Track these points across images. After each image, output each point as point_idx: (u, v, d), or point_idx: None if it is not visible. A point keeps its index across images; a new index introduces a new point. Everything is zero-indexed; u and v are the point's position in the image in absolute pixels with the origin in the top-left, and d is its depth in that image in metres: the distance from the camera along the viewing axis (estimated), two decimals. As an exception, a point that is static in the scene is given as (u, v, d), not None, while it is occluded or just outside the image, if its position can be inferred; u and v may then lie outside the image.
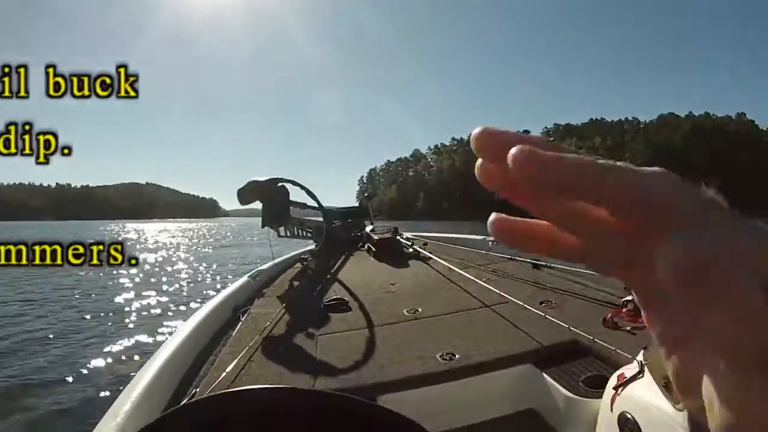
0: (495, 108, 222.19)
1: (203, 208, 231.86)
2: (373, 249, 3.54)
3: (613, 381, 1.11)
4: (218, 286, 9.66)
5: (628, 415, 1.02)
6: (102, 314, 7.40)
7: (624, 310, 1.85)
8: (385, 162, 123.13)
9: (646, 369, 1.02)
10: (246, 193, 3.36)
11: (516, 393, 1.62)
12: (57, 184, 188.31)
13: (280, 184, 3.55)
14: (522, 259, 2.91)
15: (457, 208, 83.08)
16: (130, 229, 59.71)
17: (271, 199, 3.52)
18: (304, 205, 3.85)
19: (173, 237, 41.30)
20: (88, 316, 7.27)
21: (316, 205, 3.83)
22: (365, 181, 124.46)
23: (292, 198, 3.72)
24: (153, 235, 45.87)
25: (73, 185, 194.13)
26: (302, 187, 3.71)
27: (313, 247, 3.88)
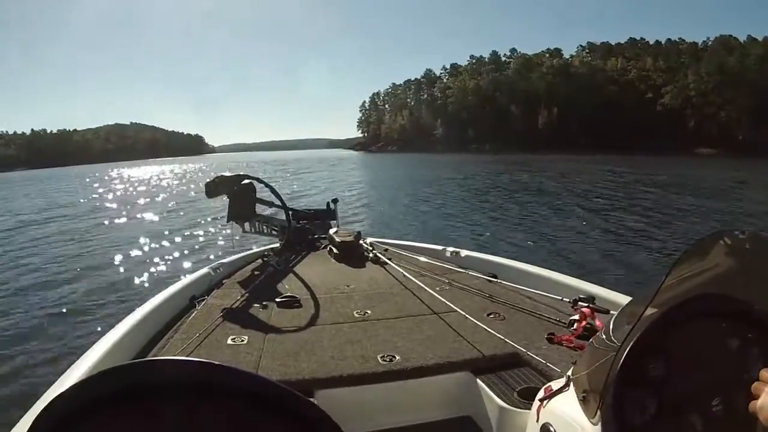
0: (516, 20, 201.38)
1: (189, 146, 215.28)
2: (335, 251, 3.54)
3: (541, 393, 1.14)
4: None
5: (551, 427, 1.04)
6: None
7: (574, 333, 1.87)
8: (390, 85, 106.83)
9: (572, 383, 1.04)
10: (213, 188, 3.39)
11: (452, 399, 1.71)
12: (32, 130, 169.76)
13: (247, 180, 3.58)
14: (477, 272, 2.91)
15: (488, 139, 69.11)
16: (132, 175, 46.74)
17: (237, 195, 3.51)
18: (271, 204, 3.81)
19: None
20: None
21: (280, 203, 3.79)
22: (368, 107, 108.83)
23: (258, 196, 3.73)
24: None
25: (49, 131, 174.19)
26: (267, 185, 3.75)
27: (277, 244, 3.83)
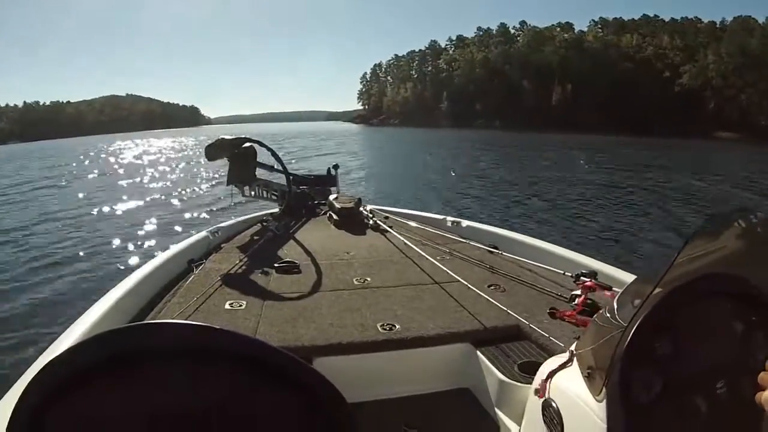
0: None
1: (185, 118, 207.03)
2: (335, 217, 3.52)
3: (543, 368, 1.12)
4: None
5: (553, 403, 1.04)
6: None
7: (575, 308, 1.82)
8: (392, 56, 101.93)
9: (575, 359, 1.03)
10: (213, 150, 3.36)
11: (452, 370, 1.69)
12: (25, 103, 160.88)
13: (248, 144, 3.51)
14: (478, 243, 2.86)
15: (497, 115, 65.55)
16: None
17: (237, 158, 3.45)
18: (271, 168, 3.78)
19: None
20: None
21: (281, 167, 3.74)
22: (369, 78, 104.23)
23: (259, 160, 3.67)
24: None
25: (41, 103, 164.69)
26: (269, 149, 3.68)
27: (276, 210, 3.80)
